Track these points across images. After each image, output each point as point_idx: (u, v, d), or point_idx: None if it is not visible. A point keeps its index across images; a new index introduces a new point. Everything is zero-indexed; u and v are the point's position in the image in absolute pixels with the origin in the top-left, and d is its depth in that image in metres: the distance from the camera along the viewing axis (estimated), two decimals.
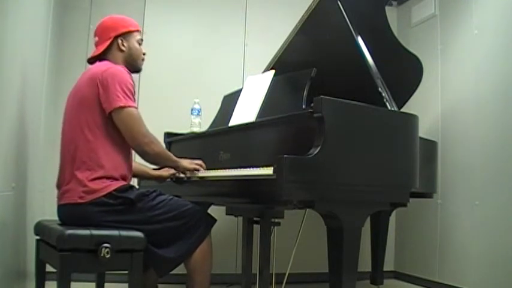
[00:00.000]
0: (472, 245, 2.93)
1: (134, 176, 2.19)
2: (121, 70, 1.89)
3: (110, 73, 1.86)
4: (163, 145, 2.75)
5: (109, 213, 1.80)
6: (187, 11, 3.42)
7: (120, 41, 2.00)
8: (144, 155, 1.92)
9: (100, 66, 1.92)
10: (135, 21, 2.10)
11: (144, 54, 2.09)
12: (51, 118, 2.83)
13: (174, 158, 2.06)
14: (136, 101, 3.09)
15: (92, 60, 2.03)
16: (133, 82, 1.91)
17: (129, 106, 1.84)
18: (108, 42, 1.99)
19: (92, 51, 2.04)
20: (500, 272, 2.71)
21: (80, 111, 1.86)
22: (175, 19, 3.39)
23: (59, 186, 1.91)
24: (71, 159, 1.84)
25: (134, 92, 1.91)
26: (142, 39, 2.08)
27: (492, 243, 2.79)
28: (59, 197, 1.89)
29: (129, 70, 1.97)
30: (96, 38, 2.03)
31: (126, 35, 2.02)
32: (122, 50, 2.01)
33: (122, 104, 1.82)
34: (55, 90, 2.94)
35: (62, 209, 1.88)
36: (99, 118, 1.85)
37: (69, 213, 1.84)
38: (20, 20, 2.02)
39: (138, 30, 2.08)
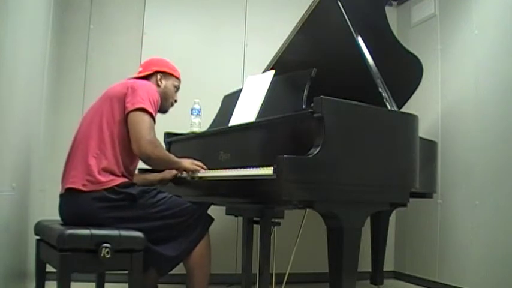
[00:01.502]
0: (472, 245, 2.94)
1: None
2: (153, 86, 2.03)
3: (143, 83, 1.99)
4: (164, 146, 2.76)
5: (111, 209, 1.83)
6: (187, 11, 3.42)
7: (159, 77, 2.16)
8: (147, 160, 1.94)
9: (138, 79, 2.06)
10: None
11: (176, 101, 2.23)
12: (51, 118, 2.83)
13: (176, 159, 2.07)
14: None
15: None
16: (159, 101, 2.01)
17: (148, 112, 1.90)
18: (149, 72, 2.15)
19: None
20: (500, 272, 2.71)
21: (104, 103, 1.96)
22: (175, 19, 3.38)
23: (65, 170, 1.94)
24: (84, 145, 1.90)
25: (157, 109, 2.00)
26: (179, 88, 2.24)
27: (492, 243, 2.79)
28: (64, 182, 1.91)
29: None
30: (141, 68, 2.20)
31: (166, 74, 2.19)
32: (158, 85, 2.14)
33: (142, 106, 1.89)
34: (55, 90, 2.95)
35: (63, 199, 1.90)
36: (118, 114, 1.92)
37: (71, 203, 1.86)
38: (20, 20, 2.03)
39: (179, 79, 2.24)
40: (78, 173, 1.86)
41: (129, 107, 1.90)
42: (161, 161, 1.98)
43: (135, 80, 2.05)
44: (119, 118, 1.92)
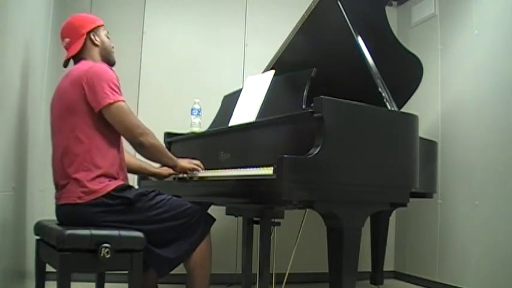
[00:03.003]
0: (472, 245, 2.94)
1: (134, 172, 2.18)
2: (104, 67, 1.89)
3: (93, 72, 1.85)
4: (163, 144, 2.75)
5: (108, 213, 1.80)
6: (187, 11, 3.42)
7: (93, 36, 1.99)
8: (140, 147, 1.90)
9: (80, 66, 1.90)
10: (100, 16, 2.10)
11: (113, 47, 2.09)
12: None
13: (171, 155, 2.05)
14: (136, 101, 3.14)
15: (67, 63, 2.01)
16: (116, 76, 1.90)
17: (118, 101, 1.84)
18: (82, 39, 1.97)
19: (65, 54, 2.00)
20: (500, 272, 2.71)
21: (69, 116, 1.85)
22: (175, 19, 3.39)
23: (56, 187, 1.91)
24: (65, 161, 1.83)
25: (119, 85, 1.90)
26: (108, 32, 2.08)
27: (492, 243, 2.79)
28: (58, 197, 1.88)
29: (105, 62, 1.98)
30: (67, 39, 1.99)
31: (95, 29, 2.01)
32: (96, 45, 2.00)
33: (110, 101, 1.82)
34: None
35: (60, 209, 1.88)
36: (89, 118, 1.84)
37: (67, 213, 1.83)
38: (20, 20, 2.02)
39: (103, 25, 2.07)
40: (71, 187, 1.81)
41: (96, 106, 1.82)
42: (155, 150, 1.94)
43: (85, 72, 1.84)
44: (92, 121, 1.84)
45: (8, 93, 1.90)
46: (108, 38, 2.06)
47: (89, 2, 3.20)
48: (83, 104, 1.83)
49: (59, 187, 1.89)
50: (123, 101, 1.87)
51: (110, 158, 1.87)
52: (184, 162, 2.08)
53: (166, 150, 2.07)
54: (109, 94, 1.82)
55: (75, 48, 1.97)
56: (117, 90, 1.86)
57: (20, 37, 2.03)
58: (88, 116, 1.84)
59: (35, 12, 2.37)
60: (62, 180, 1.85)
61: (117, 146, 1.94)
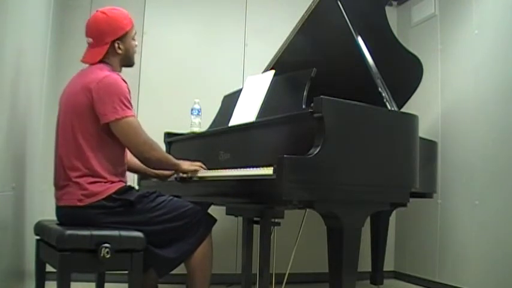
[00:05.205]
0: (472, 245, 2.93)
1: (136, 172, 2.18)
2: (117, 80, 1.85)
3: (105, 84, 1.82)
4: (163, 146, 2.76)
5: (108, 215, 1.81)
6: (188, 11, 3.42)
7: (117, 45, 1.94)
8: (146, 162, 1.92)
9: (95, 72, 1.87)
10: (131, 16, 2.02)
11: (136, 46, 2.05)
12: (51, 118, 2.81)
13: (174, 161, 2.05)
14: (136, 101, 3.14)
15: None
16: (128, 89, 1.89)
17: (127, 116, 1.83)
18: (106, 48, 1.93)
19: (85, 50, 1.97)
20: (500, 272, 2.71)
21: (73, 118, 1.84)
22: (175, 19, 3.39)
23: (56, 186, 1.91)
24: (66, 163, 1.84)
25: (130, 98, 1.88)
26: (135, 32, 2.04)
27: (492, 243, 2.79)
28: (58, 198, 1.88)
29: (124, 65, 2.00)
30: (90, 40, 1.94)
31: (122, 37, 1.95)
32: (118, 53, 1.97)
33: (118, 116, 1.81)
34: (55, 90, 2.93)
35: (60, 210, 1.88)
36: (92, 126, 1.83)
37: (68, 215, 1.84)
38: (20, 20, 2.02)
39: (132, 27, 2.00)
40: (71, 190, 1.81)
41: (104, 119, 1.80)
42: (160, 163, 1.97)
43: (97, 82, 1.82)
44: (94, 129, 1.82)
45: (8, 94, 1.90)
46: (133, 39, 2.01)
47: (89, 1, 3.19)
48: (89, 111, 1.82)
49: (59, 187, 1.88)
50: (132, 115, 1.86)
51: (109, 168, 1.86)
52: (186, 165, 2.07)
53: (170, 157, 2.07)
54: (118, 109, 1.80)
55: (96, 56, 1.92)
56: (127, 103, 1.84)
57: (19, 37, 2.03)
58: (91, 124, 1.82)
59: (35, 12, 2.37)
60: (62, 181, 1.85)
61: (119, 156, 1.93)
